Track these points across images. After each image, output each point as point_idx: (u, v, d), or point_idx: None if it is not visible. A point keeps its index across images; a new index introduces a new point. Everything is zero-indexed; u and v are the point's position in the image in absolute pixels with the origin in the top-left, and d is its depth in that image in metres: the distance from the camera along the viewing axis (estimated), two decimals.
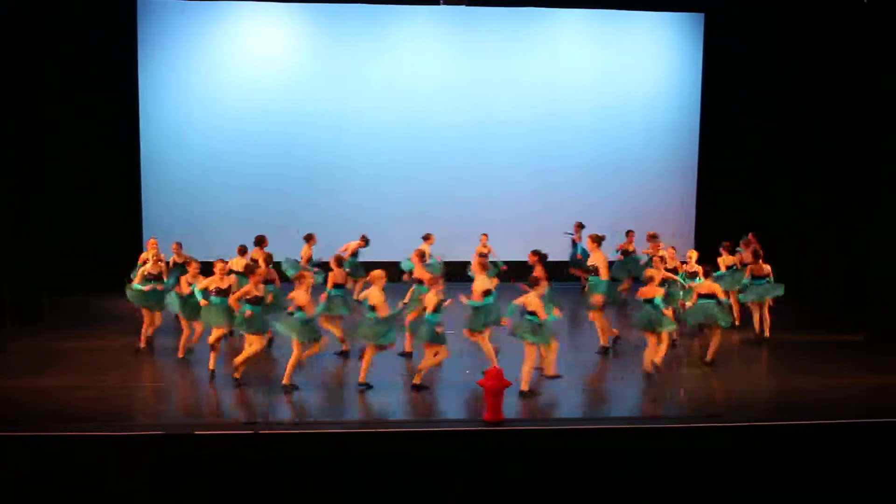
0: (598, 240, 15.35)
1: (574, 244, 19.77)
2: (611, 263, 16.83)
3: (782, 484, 11.44)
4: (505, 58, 20.70)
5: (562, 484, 11.36)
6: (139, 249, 19.45)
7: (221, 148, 20.17)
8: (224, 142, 20.17)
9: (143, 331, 15.41)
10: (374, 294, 13.42)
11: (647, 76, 21.08)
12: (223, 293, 14.01)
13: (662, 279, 15.11)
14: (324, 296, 14.67)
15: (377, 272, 13.63)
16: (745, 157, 20.57)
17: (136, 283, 14.94)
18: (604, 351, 15.43)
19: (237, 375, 13.49)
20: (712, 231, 18.62)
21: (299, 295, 13.26)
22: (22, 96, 17.16)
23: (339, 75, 20.39)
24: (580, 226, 19.68)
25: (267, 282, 14.52)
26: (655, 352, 13.93)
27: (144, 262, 15.44)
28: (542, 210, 20.18)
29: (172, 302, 14.86)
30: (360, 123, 20.45)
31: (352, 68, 20.37)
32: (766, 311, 16.29)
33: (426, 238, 17.32)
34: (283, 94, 20.29)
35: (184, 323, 14.88)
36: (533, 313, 13.33)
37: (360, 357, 13.85)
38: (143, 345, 15.38)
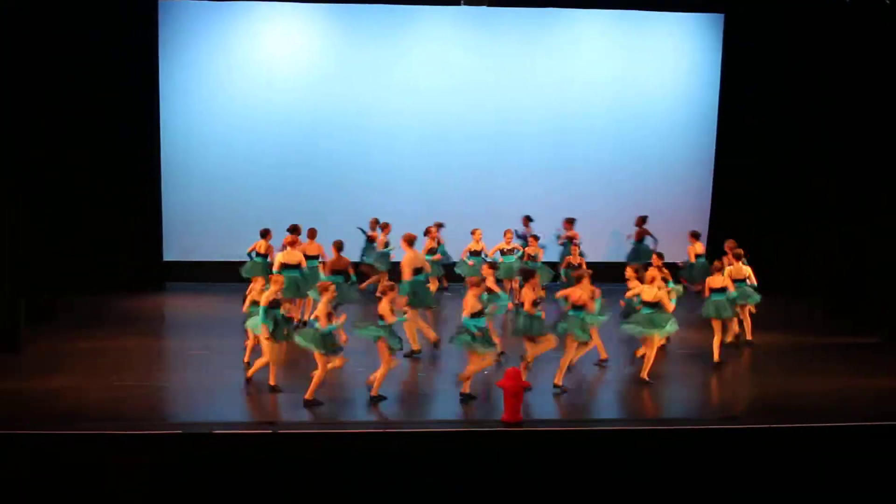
0: (409, 240, 15.25)
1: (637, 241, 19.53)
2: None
3: (796, 487, 11.36)
4: (524, 58, 20.56)
5: (579, 485, 11.27)
6: (158, 250, 19.78)
7: (241, 148, 20.04)
8: (244, 142, 20.03)
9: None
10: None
11: (666, 77, 20.90)
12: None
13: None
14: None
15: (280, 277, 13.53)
16: (761, 158, 20.35)
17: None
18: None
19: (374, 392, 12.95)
20: (726, 232, 18.19)
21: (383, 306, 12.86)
22: (42, 97, 17.12)
23: (359, 75, 20.24)
24: (643, 219, 19.54)
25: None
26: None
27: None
28: (560, 209, 19.88)
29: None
30: (379, 123, 20.27)
31: (371, 68, 20.24)
32: (745, 314, 16.10)
33: (427, 232, 17.71)
34: (303, 94, 20.15)
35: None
36: (580, 308, 13.27)
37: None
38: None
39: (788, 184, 19.97)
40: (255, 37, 20.04)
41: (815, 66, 19.26)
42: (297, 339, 12.85)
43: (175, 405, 13.05)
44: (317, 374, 12.75)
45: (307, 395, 12.71)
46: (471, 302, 12.83)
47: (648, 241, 19.30)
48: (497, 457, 11.45)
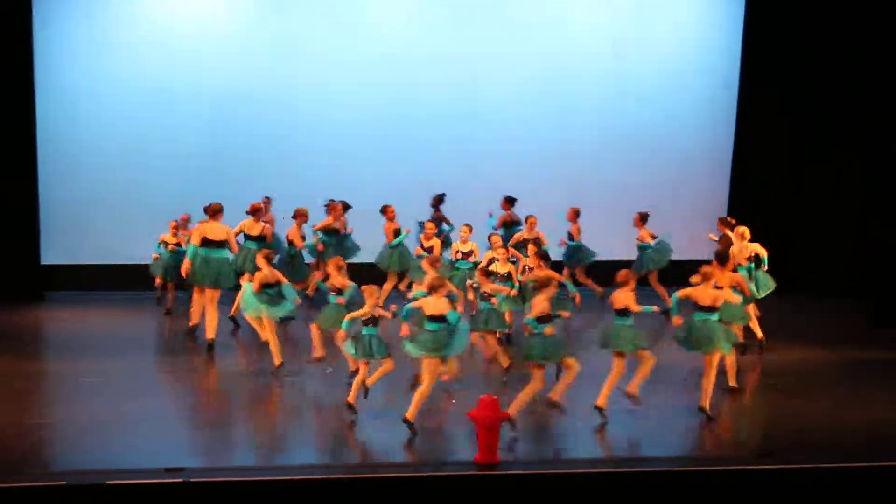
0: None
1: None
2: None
3: None
4: (502, 13, 18.79)
5: None
6: (35, 252, 18.23)
7: (137, 130, 18.18)
8: (141, 122, 18.18)
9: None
10: None
11: (677, 33, 19.18)
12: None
13: None
14: None
15: None
16: (791, 134, 18.80)
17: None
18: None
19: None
20: (747, 215, 16.71)
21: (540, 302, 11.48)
22: None
23: (295, 37, 18.32)
24: (440, 198, 17.71)
25: None
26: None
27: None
28: (549, 197, 17.92)
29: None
30: (321, 95, 18.40)
31: (311, 27, 18.34)
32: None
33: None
34: (216, 61, 18.20)
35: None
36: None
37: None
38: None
39: (823, 167, 18.55)
40: None
41: (851, 17, 17.89)
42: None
43: (58, 448, 11.45)
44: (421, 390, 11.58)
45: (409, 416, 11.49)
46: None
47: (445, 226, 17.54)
48: None
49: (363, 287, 12.03)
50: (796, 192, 18.86)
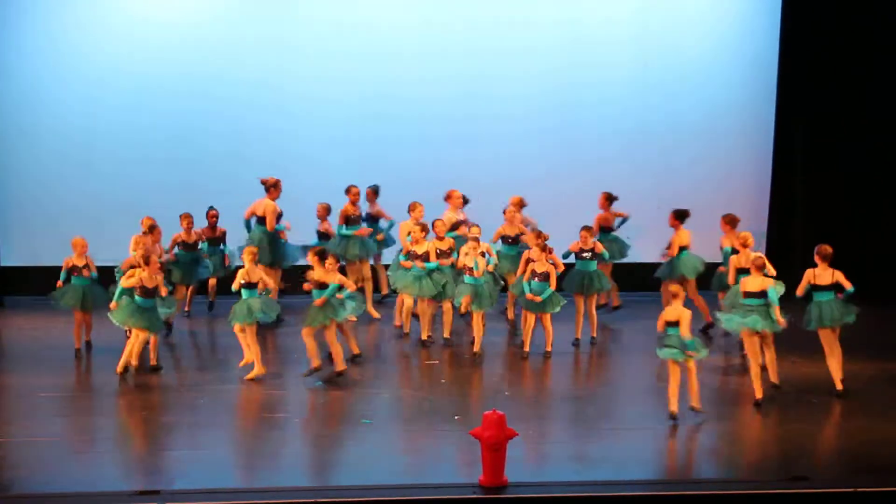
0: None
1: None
2: None
3: None
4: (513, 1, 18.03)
5: None
6: None
7: (104, 121, 17.47)
8: (108, 113, 17.43)
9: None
10: None
11: (708, 7, 18.17)
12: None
13: None
14: None
15: None
16: (839, 124, 17.64)
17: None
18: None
19: None
20: (791, 224, 16.65)
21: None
22: None
23: (276, 12, 17.58)
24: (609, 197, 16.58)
25: None
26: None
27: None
28: (560, 195, 17.22)
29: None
30: (306, 76, 17.60)
31: (294, 16, 17.54)
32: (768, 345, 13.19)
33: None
34: (192, 51, 17.48)
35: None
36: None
37: None
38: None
39: (876, 157, 17.55)
40: None
41: None
42: None
43: (16, 471, 10.84)
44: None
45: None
46: None
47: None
48: None
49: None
50: (839, 188, 17.90)
